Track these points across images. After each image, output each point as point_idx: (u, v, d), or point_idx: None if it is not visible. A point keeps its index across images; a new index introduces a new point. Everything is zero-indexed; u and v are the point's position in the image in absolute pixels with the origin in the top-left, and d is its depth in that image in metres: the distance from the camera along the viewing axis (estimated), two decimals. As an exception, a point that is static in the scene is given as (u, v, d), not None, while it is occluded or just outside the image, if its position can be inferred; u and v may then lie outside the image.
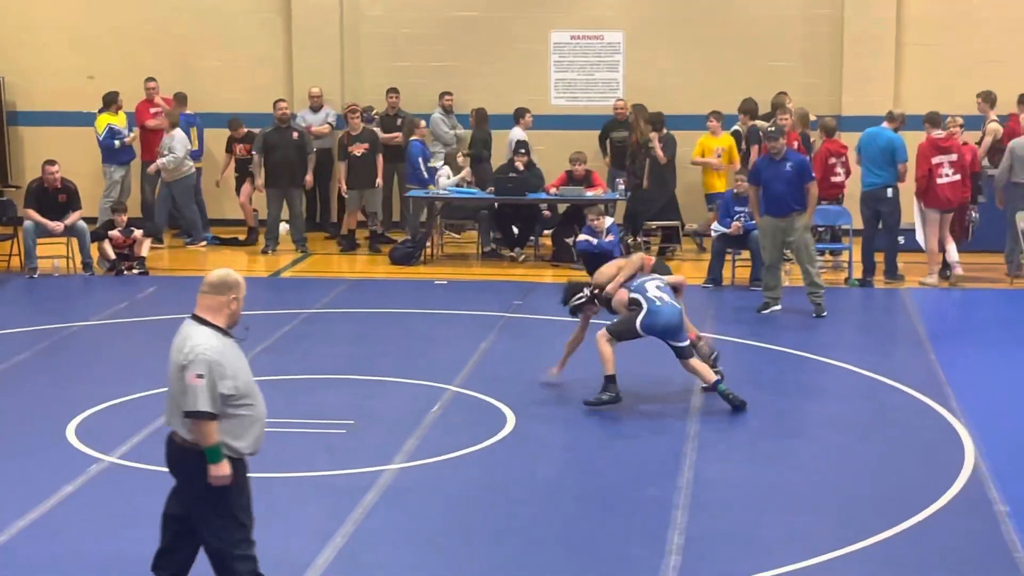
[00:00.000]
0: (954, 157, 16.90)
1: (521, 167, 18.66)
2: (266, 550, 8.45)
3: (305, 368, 12.95)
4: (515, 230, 19.07)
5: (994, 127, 18.58)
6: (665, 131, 19.20)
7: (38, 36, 21.41)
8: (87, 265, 17.62)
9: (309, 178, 19.38)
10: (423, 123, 19.54)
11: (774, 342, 13.89)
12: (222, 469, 7.05)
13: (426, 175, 19.00)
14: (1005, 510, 9.10)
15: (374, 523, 8.93)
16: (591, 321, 12.26)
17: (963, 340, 14.62)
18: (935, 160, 16.85)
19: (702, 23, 20.64)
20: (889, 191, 16.90)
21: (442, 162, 19.42)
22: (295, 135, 19.19)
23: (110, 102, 20.00)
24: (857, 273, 17.08)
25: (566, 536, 8.79)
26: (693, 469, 9.97)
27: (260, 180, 19.27)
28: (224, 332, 7.28)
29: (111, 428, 10.96)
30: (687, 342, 11.65)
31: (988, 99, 18.92)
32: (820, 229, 17.05)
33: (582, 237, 16.81)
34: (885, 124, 17.20)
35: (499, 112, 20.09)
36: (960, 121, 17.47)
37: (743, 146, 19.18)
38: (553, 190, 18.51)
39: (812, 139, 18.57)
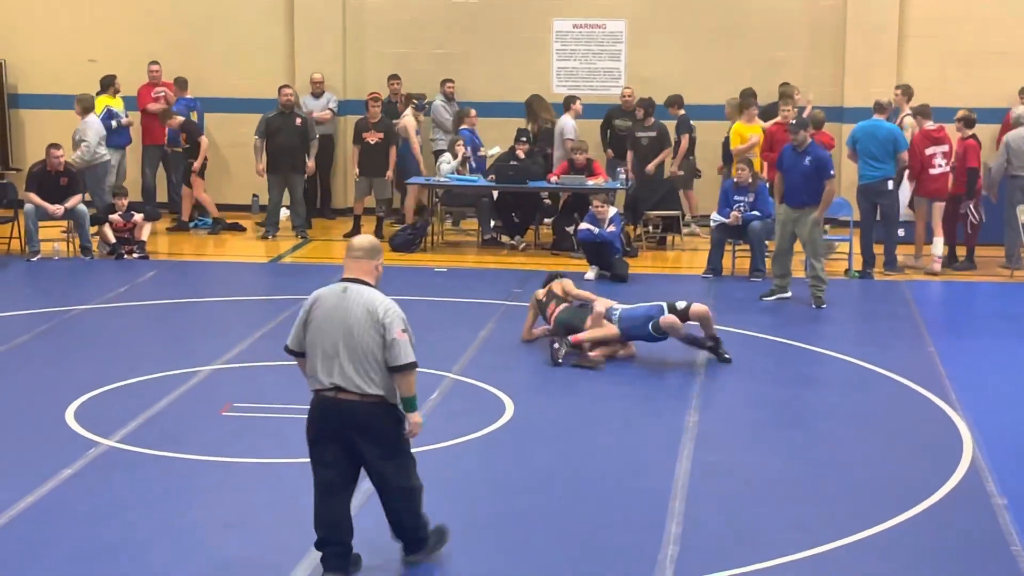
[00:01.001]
0: (946, 148, 17.16)
1: (522, 155, 18.64)
2: (266, 536, 8.50)
3: (305, 354, 12.93)
4: (515, 218, 19.06)
5: (910, 121, 18.65)
6: (682, 111, 19.22)
7: (40, 19, 21.40)
8: (86, 249, 17.62)
9: (311, 164, 19.36)
10: (473, 112, 19.50)
11: (773, 333, 13.90)
12: (418, 416, 7.79)
13: (474, 164, 18.96)
14: (1003, 503, 9.12)
15: (373, 509, 8.92)
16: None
17: (962, 333, 14.63)
18: (928, 151, 16.98)
19: (705, 13, 20.62)
20: (889, 183, 16.91)
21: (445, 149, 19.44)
22: (298, 121, 19.17)
23: (108, 84, 20.00)
24: (857, 265, 17.07)
25: (563, 524, 8.80)
26: (691, 459, 9.98)
27: (261, 165, 19.25)
28: None
29: (111, 412, 10.97)
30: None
31: (907, 92, 18.94)
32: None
33: (584, 226, 16.80)
34: (877, 116, 17.15)
35: (501, 100, 20.09)
36: (963, 114, 17.51)
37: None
38: (554, 178, 18.50)
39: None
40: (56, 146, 17.66)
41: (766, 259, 16.65)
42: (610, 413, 11.32)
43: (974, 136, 17.42)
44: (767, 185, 16.87)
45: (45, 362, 12.80)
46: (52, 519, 8.75)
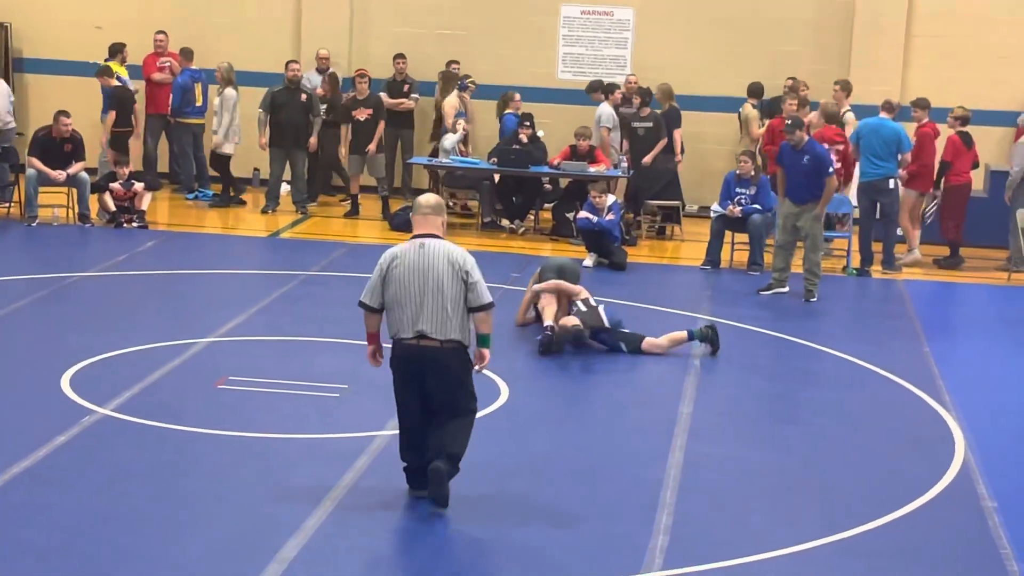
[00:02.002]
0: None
1: (525, 139, 18.63)
2: (257, 510, 8.51)
3: (301, 330, 12.97)
4: (515, 202, 19.05)
5: (851, 117, 18.76)
6: (671, 104, 19.17)
7: (47, -17, 21.39)
8: (84, 217, 17.61)
9: (313, 140, 19.35)
10: (517, 96, 19.47)
11: (769, 327, 13.91)
12: (488, 352, 8.74)
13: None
14: (993, 505, 9.14)
15: (365, 488, 8.95)
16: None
17: (958, 334, 14.66)
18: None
19: (713, 4, 20.61)
20: (891, 182, 16.92)
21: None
22: (303, 97, 19.16)
23: (116, 52, 19.99)
24: (855, 262, 17.08)
25: (555, 511, 8.81)
26: (684, 450, 10.00)
27: (264, 138, 19.24)
28: None
29: (106, 380, 10.98)
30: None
31: (845, 88, 18.99)
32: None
33: (582, 214, 16.81)
34: (884, 115, 17.15)
35: (505, 83, 20.06)
36: (959, 113, 17.58)
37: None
38: (557, 161, 18.47)
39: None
40: (65, 114, 17.62)
41: (765, 253, 16.67)
42: (604, 401, 11.34)
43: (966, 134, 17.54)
44: (768, 179, 16.87)
45: (41, 328, 12.81)
46: (44, 486, 8.76)
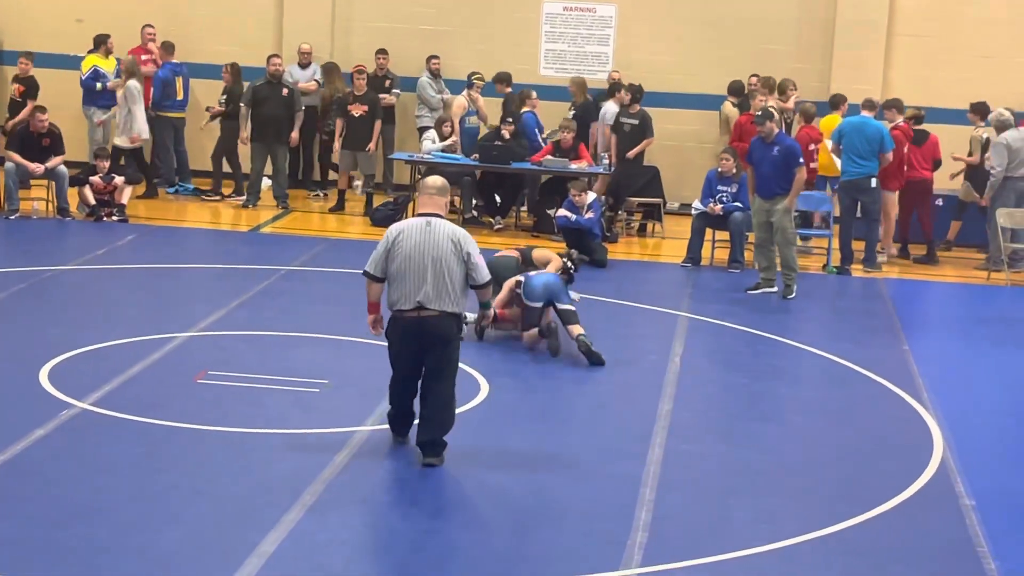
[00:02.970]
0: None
1: (508, 136, 18.62)
2: (236, 504, 8.50)
3: (281, 325, 12.95)
4: (497, 199, 19.05)
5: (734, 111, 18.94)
6: (585, 98, 19.18)
7: (28, -25, 21.32)
8: (63, 210, 17.55)
9: (295, 135, 19.33)
10: (534, 94, 19.43)
11: (749, 324, 13.93)
12: (491, 311, 9.86)
13: (542, 145, 18.86)
14: (971, 504, 9.17)
15: (344, 483, 8.95)
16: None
17: (937, 333, 14.71)
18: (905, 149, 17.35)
19: (695, 2, 20.62)
20: (872, 181, 16.94)
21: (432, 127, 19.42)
22: (284, 91, 19.13)
23: (100, 43, 19.93)
24: (835, 261, 17.12)
25: (534, 507, 8.82)
26: (664, 447, 10.01)
27: (245, 133, 19.20)
28: None
29: (85, 374, 10.95)
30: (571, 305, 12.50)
31: (767, 84, 19.06)
32: (795, 213, 17.04)
33: (561, 212, 16.79)
34: (865, 113, 17.17)
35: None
36: (911, 113, 17.74)
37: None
38: (542, 158, 18.42)
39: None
40: (42, 109, 17.69)
41: (746, 251, 16.70)
42: (584, 398, 11.34)
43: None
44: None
45: (20, 322, 12.76)
46: (22, 479, 8.73)
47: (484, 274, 9.33)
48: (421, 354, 9.31)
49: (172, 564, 7.65)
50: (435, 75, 20.45)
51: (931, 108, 18.47)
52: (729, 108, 19.54)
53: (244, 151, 19.55)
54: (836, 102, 18.65)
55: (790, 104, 18.97)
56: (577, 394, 11.42)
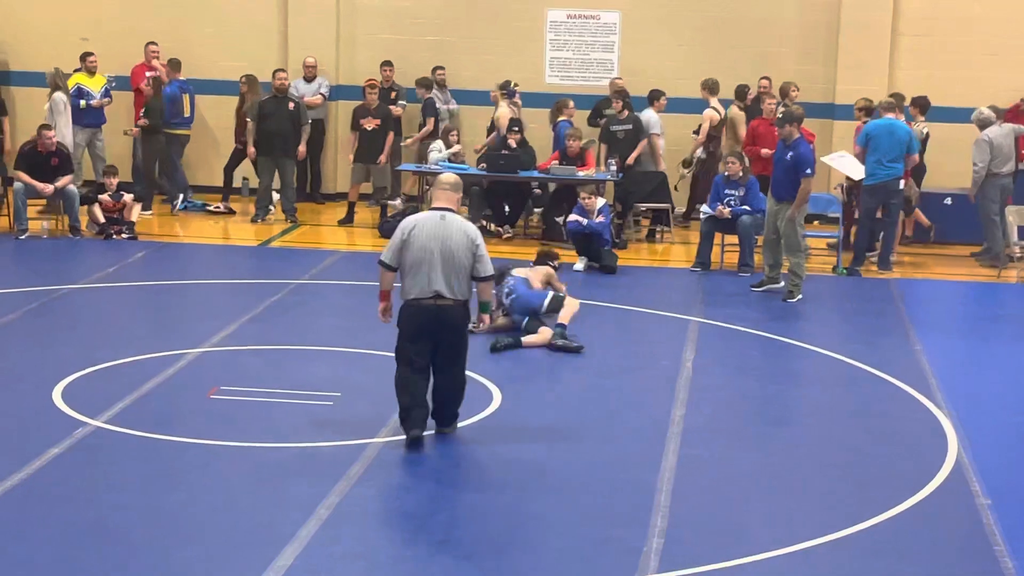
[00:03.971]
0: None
1: (514, 144, 18.64)
2: (251, 519, 8.50)
3: (292, 339, 12.96)
4: (506, 208, 19.05)
5: (710, 113, 19.03)
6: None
7: (33, -4, 21.38)
8: (74, 229, 17.59)
9: (302, 148, 19.36)
10: (571, 102, 19.41)
11: (760, 328, 13.91)
12: (488, 316, 10.31)
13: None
14: (987, 503, 9.15)
15: (358, 495, 8.95)
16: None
17: (949, 332, 14.67)
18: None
19: (699, 6, 20.63)
20: (900, 183, 16.91)
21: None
22: (291, 105, 19.17)
23: (81, 61, 19.92)
24: (845, 262, 17.10)
25: (549, 516, 8.80)
26: (677, 453, 10.00)
27: (252, 147, 19.23)
28: None
29: (98, 392, 10.95)
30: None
31: (706, 85, 19.07)
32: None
33: (572, 217, 16.81)
34: (890, 115, 17.01)
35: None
36: (861, 104, 17.91)
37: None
38: (548, 165, 18.43)
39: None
40: (48, 127, 17.64)
41: (755, 254, 16.68)
42: (596, 405, 11.32)
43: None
44: (757, 180, 16.87)
45: (32, 341, 12.78)
46: (38, 499, 8.74)
47: (489, 268, 9.87)
48: (435, 341, 9.80)
49: (189, 580, 7.66)
50: (441, 86, 20.47)
51: (937, 107, 18.44)
52: (735, 112, 19.52)
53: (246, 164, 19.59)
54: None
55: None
56: (589, 401, 11.41)
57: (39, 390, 10.94)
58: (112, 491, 8.91)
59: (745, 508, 9.06)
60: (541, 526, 8.62)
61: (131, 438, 9.93)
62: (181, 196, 19.94)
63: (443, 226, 9.76)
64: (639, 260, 17.74)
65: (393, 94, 20.39)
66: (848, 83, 19.94)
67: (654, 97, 19.29)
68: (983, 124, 17.67)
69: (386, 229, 18.27)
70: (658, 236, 19.09)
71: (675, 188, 19.22)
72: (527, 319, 13.12)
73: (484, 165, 18.59)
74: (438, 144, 19.06)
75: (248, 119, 19.25)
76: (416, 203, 18.99)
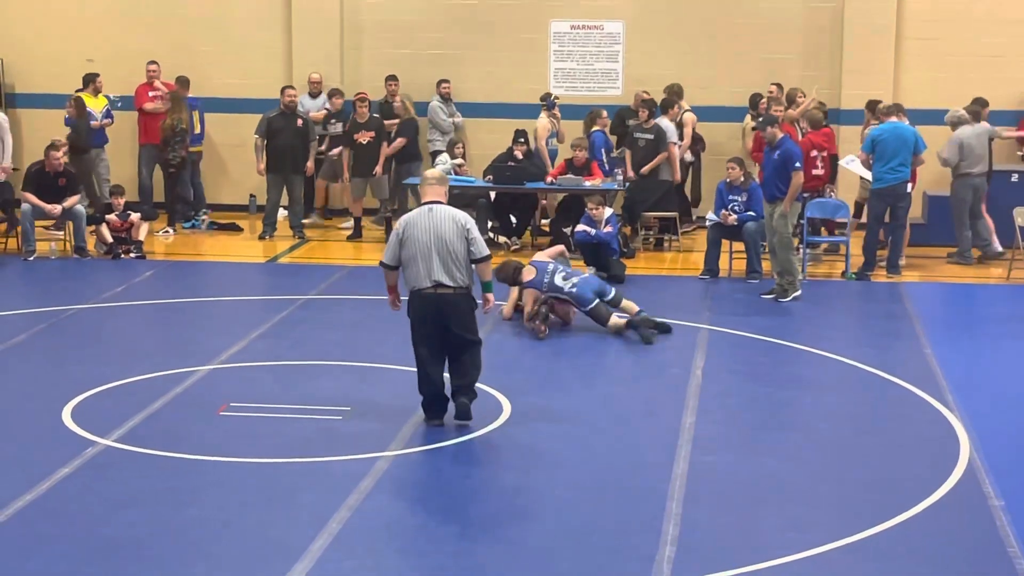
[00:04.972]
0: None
1: (520, 156, 18.64)
2: (263, 535, 8.50)
3: (302, 354, 12.96)
4: (513, 219, 19.05)
5: (690, 117, 19.14)
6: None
7: (38, 17, 21.40)
8: (81, 249, 17.61)
9: (310, 165, 19.38)
10: (604, 113, 19.39)
11: (770, 334, 13.89)
12: (492, 296, 10.70)
13: (607, 167, 18.75)
14: (1000, 505, 9.12)
15: (370, 510, 8.94)
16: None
17: (960, 335, 14.63)
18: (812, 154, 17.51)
19: (702, 14, 20.63)
20: (908, 187, 16.92)
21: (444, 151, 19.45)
22: (299, 122, 19.19)
23: (88, 82, 19.99)
24: (854, 267, 17.07)
25: (561, 525, 8.79)
26: (688, 460, 9.98)
27: (262, 164, 19.25)
28: None
29: (108, 411, 10.96)
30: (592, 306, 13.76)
31: (672, 91, 19.14)
32: (803, 221, 16.98)
33: (580, 227, 16.79)
34: (895, 119, 17.02)
35: (498, 101, 20.08)
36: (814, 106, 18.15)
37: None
38: (551, 179, 18.43)
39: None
40: (55, 147, 17.65)
41: (763, 260, 16.66)
42: (607, 412, 11.31)
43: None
44: (761, 186, 16.85)
45: (42, 361, 12.80)
46: (49, 518, 8.74)
47: (484, 249, 10.37)
48: (443, 327, 10.34)
49: (201, 597, 7.65)
50: (446, 99, 20.49)
51: (943, 110, 18.41)
52: (748, 121, 19.56)
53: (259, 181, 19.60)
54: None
55: (798, 112, 18.92)
56: (600, 409, 11.39)
57: (49, 410, 10.94)
58: (123, 509, 8.91)
59: (757, 514, 9.04)
60: (553, 535, 8.61)
61: (141, 456, 9.93)
62: (193, 213, 19.97)
63: (433, 218, 10.28)
64: (647, 269, 17.72)
65: (398, 109, 20.24)
66: (853, 88, 19.93)
67: (667, 106, 19.27)
68: (956, 123, 17.85)
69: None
70: (666, 245, 19.08)
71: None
72: (595, 302, 13.76)
73: (490, 177, 18.58)
74: (443, 157, 19.06)
75: (256, 135, 19.17)
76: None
